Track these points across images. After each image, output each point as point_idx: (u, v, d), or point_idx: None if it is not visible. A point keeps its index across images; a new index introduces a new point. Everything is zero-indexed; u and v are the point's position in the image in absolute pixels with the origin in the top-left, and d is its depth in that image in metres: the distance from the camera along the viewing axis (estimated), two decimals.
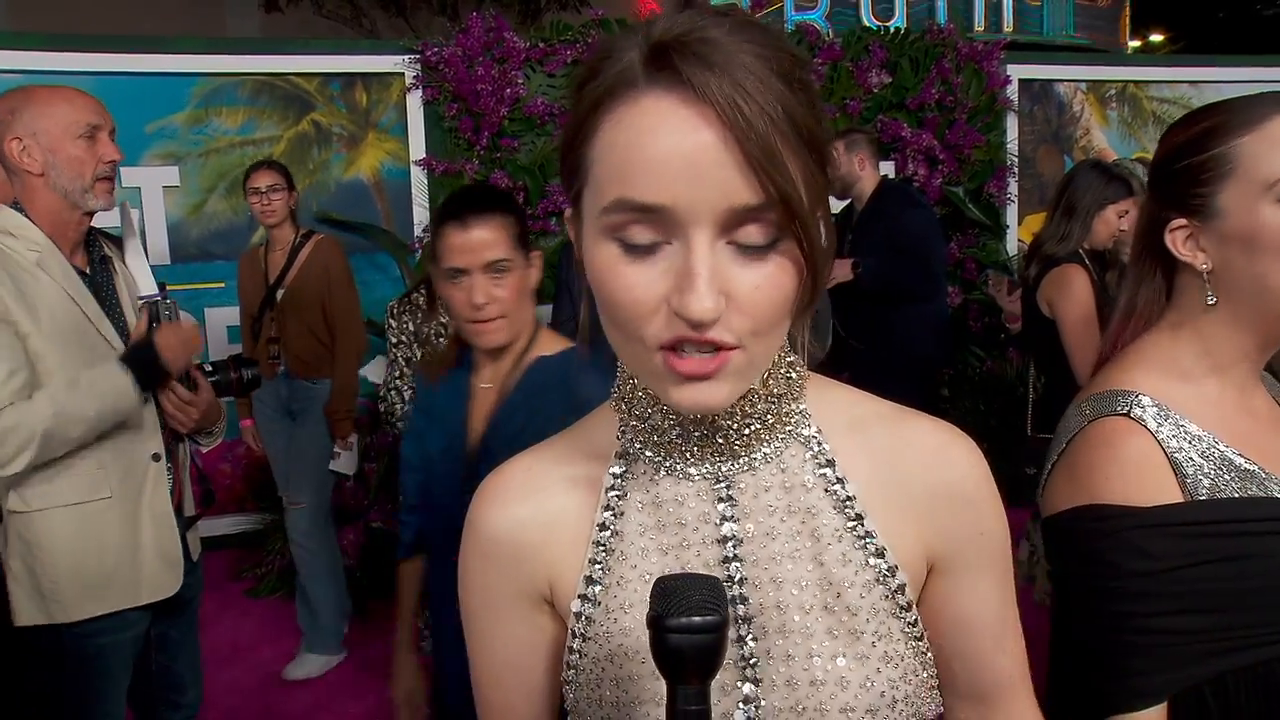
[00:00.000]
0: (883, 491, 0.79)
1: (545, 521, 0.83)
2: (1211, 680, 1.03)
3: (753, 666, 0.76)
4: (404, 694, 1.98)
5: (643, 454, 0.81)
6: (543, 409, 1.72)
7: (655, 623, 0.60)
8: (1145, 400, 1.10)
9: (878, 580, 0.77)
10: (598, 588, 0.80)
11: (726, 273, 0.64)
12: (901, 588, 0.77)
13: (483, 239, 1.67)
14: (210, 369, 2.26)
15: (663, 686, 0.71)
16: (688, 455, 0.79)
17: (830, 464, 0.79)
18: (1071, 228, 3.04)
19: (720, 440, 0.78)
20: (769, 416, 0.79)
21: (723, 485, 0.79)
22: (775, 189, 0.62)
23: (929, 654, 0.79)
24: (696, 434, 0.78)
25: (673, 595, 0.61)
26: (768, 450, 0.79)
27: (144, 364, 1.97)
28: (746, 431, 0.78)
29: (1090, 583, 1.07)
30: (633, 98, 0.65)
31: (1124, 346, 1.20)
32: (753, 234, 0.64)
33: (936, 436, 0.81)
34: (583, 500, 0.83)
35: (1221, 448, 1.08)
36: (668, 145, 0.63)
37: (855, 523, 0.78)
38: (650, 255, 0.65)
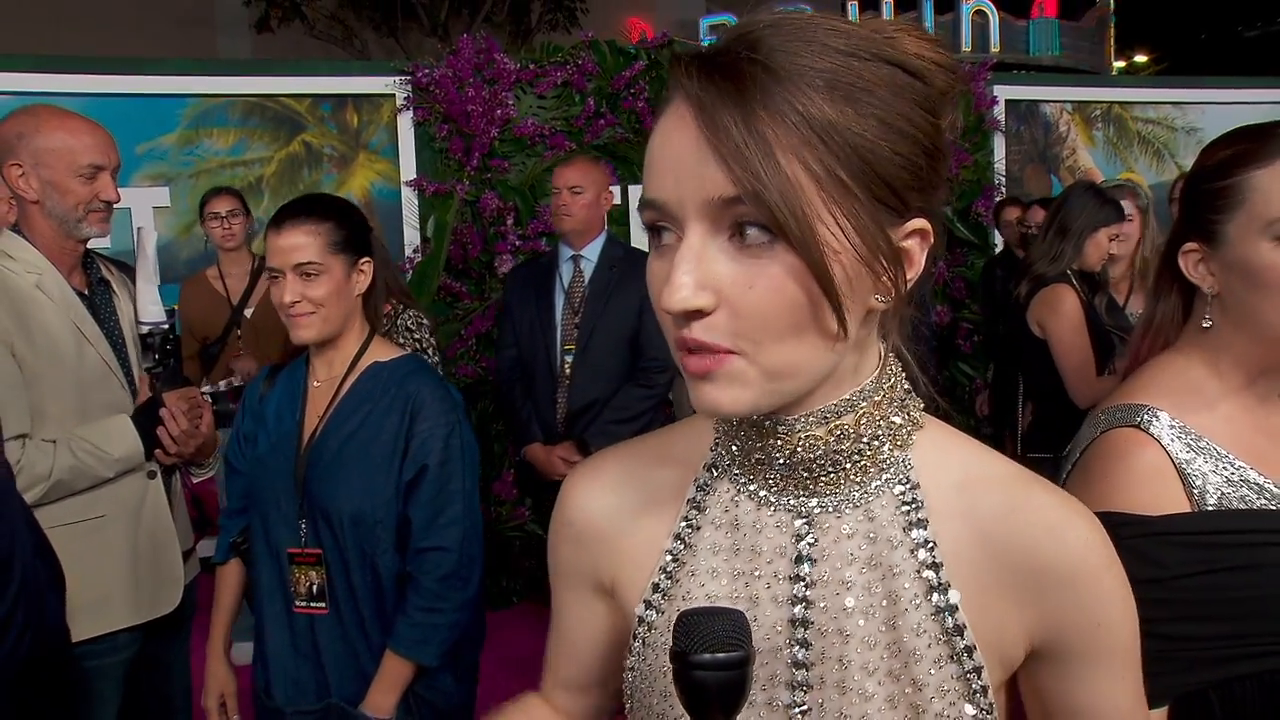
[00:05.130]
0: (981, 563, 0.73)
1: (623, 517, 0.83)
2: (1218, 685, 1.04)
3: (804, 716, 0.73)
4: (216, 699, 2.02)
5: (730, 470, 0.79)
6: (375, 412, 1.84)
7: (679, 659, 0.59)
8: (1161, 414, 1.11)
9: (951, 658, 0.72)
10: (663, 598, 0.79)
11: (720, 269, 0.64)
12: (978, 670, 0.72)
13: (293, 243, 1.82)
14: (209, 398, 2.24)
15: None
16: (771, 482, 0.76)
17: (922, 524, 0.74)
18: (1064, 248, 3.06)
19: (805, 474, 0.74)
20: (859, 459, 0.74)
21: (804, 522, 0.75)
22: (745, 181, 0.61)
23: None
24: (780, 461, 0.74)
25: (696, 630, 0.60)
26: (857, 495, 0.75)
27: (149, 426, 2.02)
28: (831, 469, 0.74)
29: None
30: (664, 107, 0.68)
31: (1144, 360, 1.22)
32: (749, 230, 0.63)
33: (1054, 511, 0.74)
34: (665, 505, 0.82)
35: (1234, 462, 1.09)
36: (661, 145, 0.67)
37: (938, 593, 0.72)
38: (665, 248, 0.67)
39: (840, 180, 0.63)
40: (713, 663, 0.58)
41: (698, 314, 0.64)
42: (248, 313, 3.86)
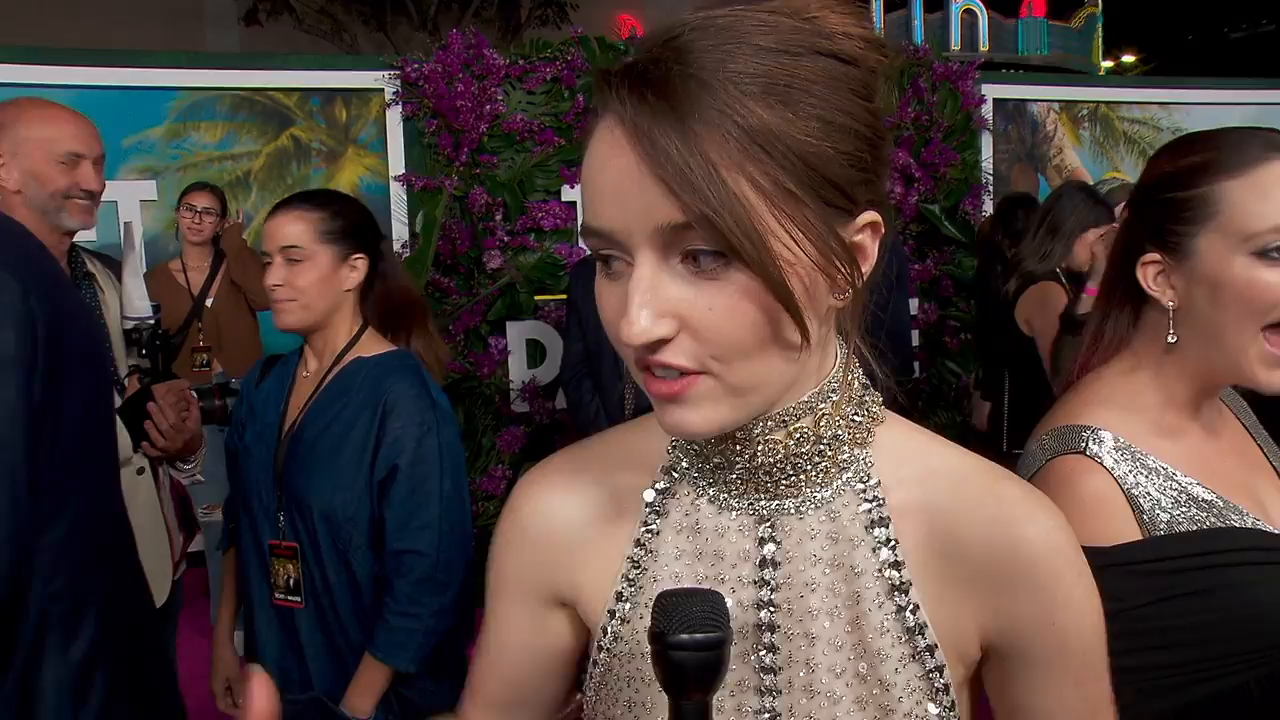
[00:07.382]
0: (939, 558, 0.72)
1: (582, 524, 0.80)
2: (1173, 712, 1.03)
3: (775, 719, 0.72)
4: (222, 685, 2.06)
5: (689, 474, 0.77)
6: (349, 408, 1.83)
7: (657, 639, 0.60)
8: (1104, 435, 1.09)
9: (914, 657, 0.71)
10: (626, 605, 0.77)
11: (676, 294, 0.62)
12: (940, 669, 0.71)
13: (282, 227, 1.82)
14: (195, 394, 2.22)
15: None
16: (731, 486, 0.74)
17: (884, 522, 0.72)
18: (1054, 247, 3.09)
19: (765, 477, 0.73)
20: (819, 459, 0.72)
21: (766, 525, 0.74)
22: (695, 208, 0.58)
23: None
24: (739, 465, 0.73)
25: (674, 611, 0.60)
26: (818, 496, 0.73)
27: (137, 419, 2.00)
28: (792, 472, 0.72)
29: None
30: (595, 125, 0.64)
31: (1088, 373, 1.19)
32: (702, 256, 0.61)
33: (1015, 506, 0.72)
34: (623, 511, 0.80)
35: (1180, 479, 1.07)
36: (600, 170, 0.63)
37: (899, 592, 0.71)
38: (617, 275, 0.65)
39: (789, 191, 0.60)
40: (691, 643, 0.59)
41: (660, 342, 0.62)
42: (208, 303, 4.06)
